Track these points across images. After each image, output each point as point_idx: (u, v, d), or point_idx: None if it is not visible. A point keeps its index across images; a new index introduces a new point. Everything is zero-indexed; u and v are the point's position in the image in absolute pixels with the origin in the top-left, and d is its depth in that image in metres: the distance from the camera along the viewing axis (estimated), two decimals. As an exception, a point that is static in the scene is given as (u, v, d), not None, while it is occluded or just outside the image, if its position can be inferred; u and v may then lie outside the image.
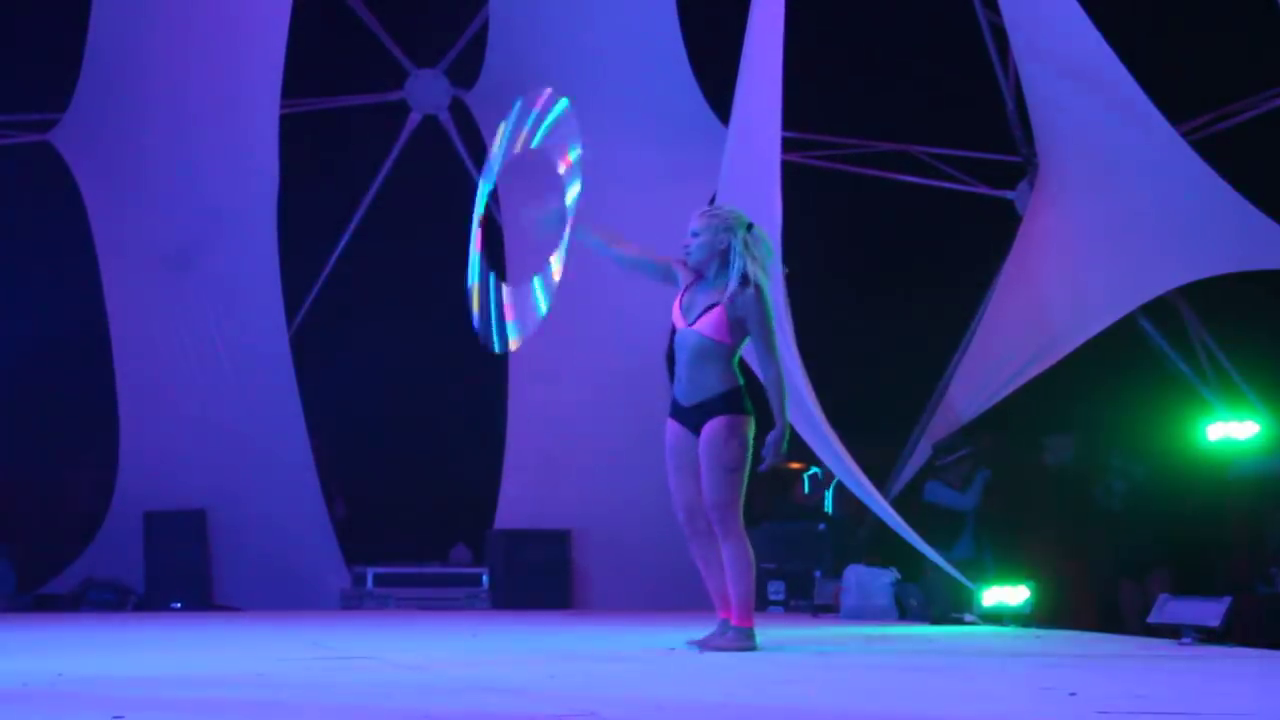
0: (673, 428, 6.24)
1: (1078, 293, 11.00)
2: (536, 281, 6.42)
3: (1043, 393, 11.36)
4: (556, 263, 6.30)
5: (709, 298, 6.14)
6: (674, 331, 6.33)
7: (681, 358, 6.21)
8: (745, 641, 6.17)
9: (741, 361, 6.38)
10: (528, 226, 6.39)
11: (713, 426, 6.07)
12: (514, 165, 6.52)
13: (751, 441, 6.11)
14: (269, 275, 11.84)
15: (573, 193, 6.35)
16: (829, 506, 12.21)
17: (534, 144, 6.46)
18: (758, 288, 6.06)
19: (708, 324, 6.08)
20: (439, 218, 12.37)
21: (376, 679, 4.94)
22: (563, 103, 6.40)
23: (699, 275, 6.23)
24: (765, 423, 6.31)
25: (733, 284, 6.09)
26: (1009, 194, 11.91)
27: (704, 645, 6.22)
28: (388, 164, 12.56)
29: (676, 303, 6.24)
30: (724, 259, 6.13)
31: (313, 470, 11.96)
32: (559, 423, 11.97)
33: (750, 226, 6.14)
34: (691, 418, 6.14)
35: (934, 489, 10.91)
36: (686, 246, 6.22)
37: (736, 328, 6.13)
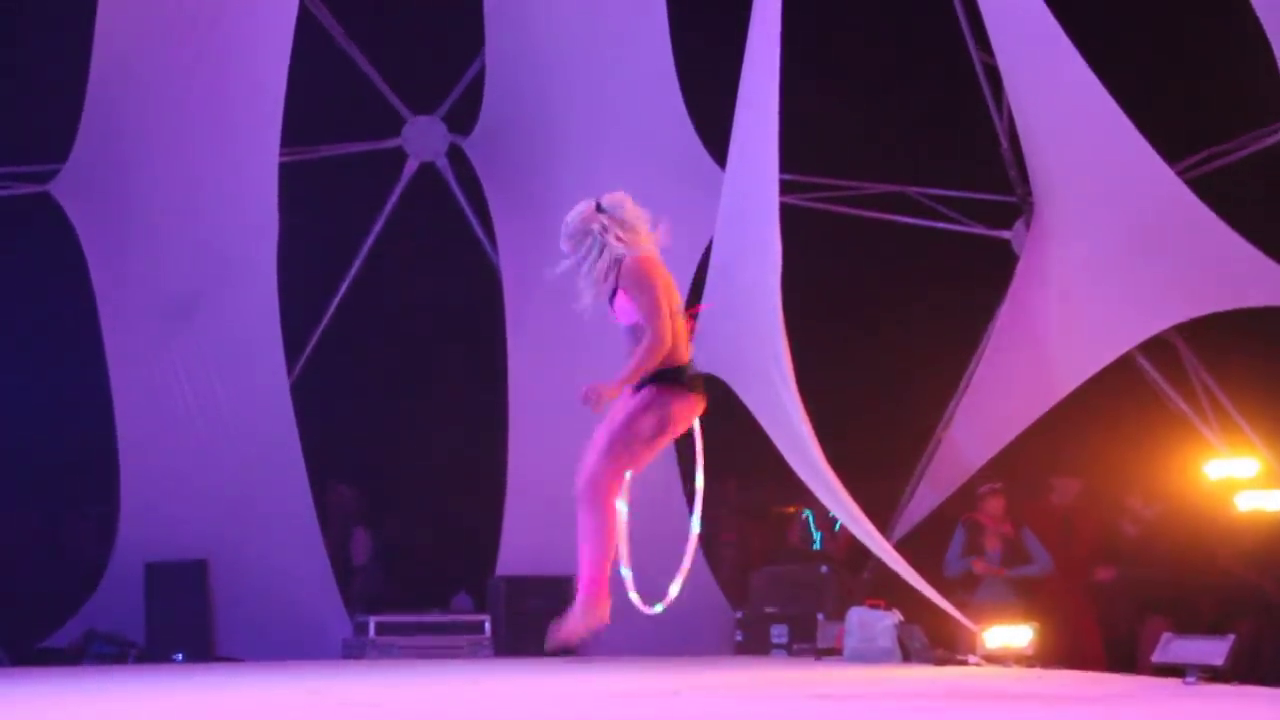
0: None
1: (1076, 331, 11.07)
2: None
3: (1047, 433, 11.41)
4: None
5: (605, 286, 6.12)
6: None
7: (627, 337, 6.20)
8: (585, 613, 6.05)
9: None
10: None
11: (642, 391, 6.00)
12: None
13: (671, 427, 5.96)
14: (269, 324, 11.90)
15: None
16: (819, 545, 12.28)
17: None
18: (631, 256, 6.02)
19: (621, 310, 6.10)
20: (437, 264, 12.65)
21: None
22: None
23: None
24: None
25: (616, 265, 6.05)
26: (1005, 234, 12.01)
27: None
28: (385, 211, 12.63)
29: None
30: (602, 254, 6.13)
31: (314, 521, 11.98)
32: (560, 468, 11.79)
33: (599, 207, 6.12)
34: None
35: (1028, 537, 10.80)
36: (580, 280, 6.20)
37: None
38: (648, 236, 6.13)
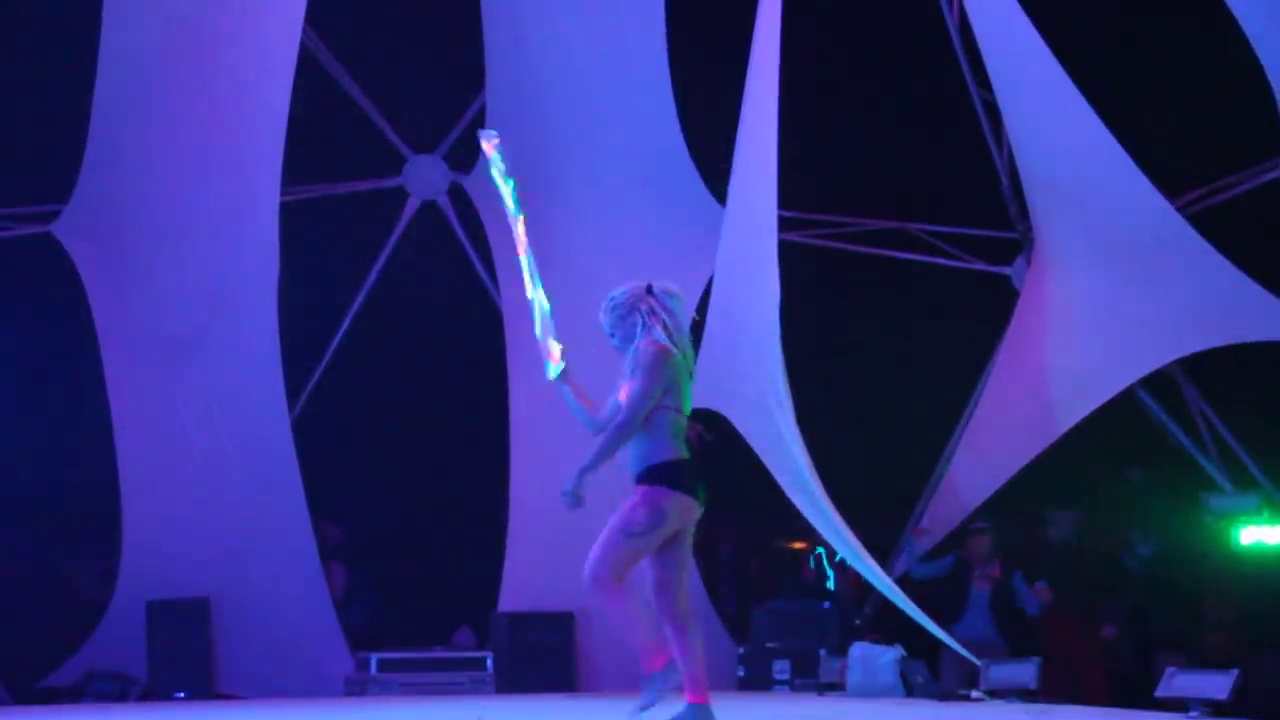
0: None
1: (1077, 367, 11.10)
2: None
3: (1044, 467, 11.45)
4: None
5: (625, 375, 6.22)
6: None
7: None
8: (697, 716, 6.11)
9: (693, 437, 6.40)
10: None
11: (634, 491, 6.07)
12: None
13: (666, 522, 5.97)
14: (270, 362, 11.92)
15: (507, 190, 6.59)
16: (831, 584, 12.30)
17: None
18: (653, 343, 6.10)
19: (624, 397, 6.10)
20: (439, 303, 12.67)
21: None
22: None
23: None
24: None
25: (637, 351, 6.15)
26: (1006, 270, 12.06)
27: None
28: (386, 250, 12.65)
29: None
30: (624, 336, 6.22)
31: (315, 558, 12.01)
32: (561, 504, 11.92)
33: (649, 289, 6.21)
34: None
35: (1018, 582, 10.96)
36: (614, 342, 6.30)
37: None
38: (682, 335, 6.19)
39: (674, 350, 6.11)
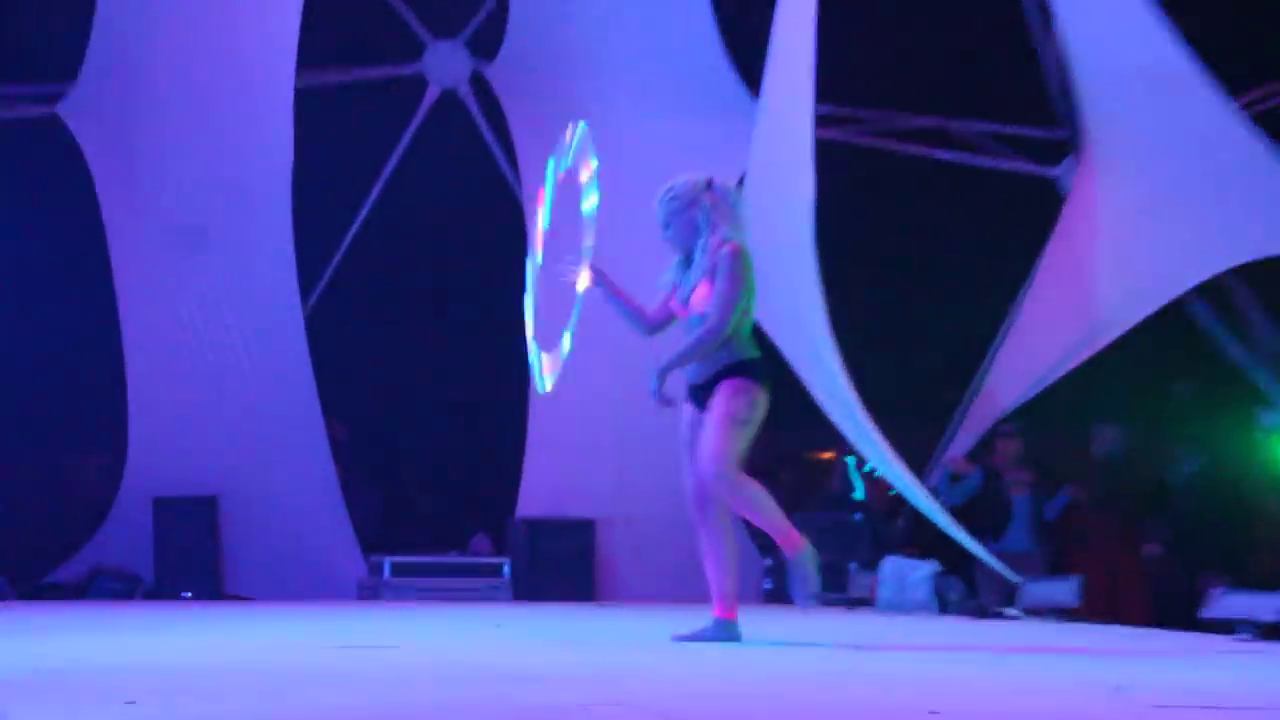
0: (686, 411, 6.26)
1: (1125, 275, 10.93)
2: (566, 335, 6.58)
3: (1088, 380, 11.36)
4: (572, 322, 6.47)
5: (696, 275, 6.18)
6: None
7: (689, 333, 6.20)
8: (724, 632, 6.12)
9: (756, 331, 6.37)
10: (559, 276, 6.45)
11: (720, 387, 6.09)
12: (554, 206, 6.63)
13: (758, 414, 6.07)
14: (283, 254, 11.82)
15: (590, 202, 6.48)
16: (860, 494, 12.23)
17: (562, 167, 6.65)
18: (731, 244, 6.07)
19: (700, 301, 6.11)
20: (459, 197, 12.57)
21: (395, 668, 4.91)
22: (581, 125, 6.58)
23: (688, 258, 6.26)
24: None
25: (710, 250, 6.11)
26: (1052, 171, 11.79)
27: (683, 636, 6.19)
28: (404, 141, 12.50)
29: (673, 293, 6.28)
30: (684, 231, 6.20)
31: (328, 456, 11.97)
32: (583, 407, 11.82)
33: (710, 184, 6.17)
34: (702, 396, 6.15)
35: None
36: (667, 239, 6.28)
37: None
38: (743, 231, 6.18)
39: (748, 252, 6.15)
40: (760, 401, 6.09)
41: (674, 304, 6.25)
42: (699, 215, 6.13)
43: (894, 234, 12.36)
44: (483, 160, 12.65)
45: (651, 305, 6.37)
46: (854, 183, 11.81)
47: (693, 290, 6.14)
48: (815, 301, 9.33)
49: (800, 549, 6.04)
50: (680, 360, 6.09)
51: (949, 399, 12.00)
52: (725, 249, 6.06)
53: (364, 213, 12.57)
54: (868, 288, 11.91)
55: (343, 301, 12.54)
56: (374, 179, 12.53)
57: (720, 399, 6.03)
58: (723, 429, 5.99)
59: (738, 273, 6.03)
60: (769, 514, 6.05)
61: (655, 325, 6.38)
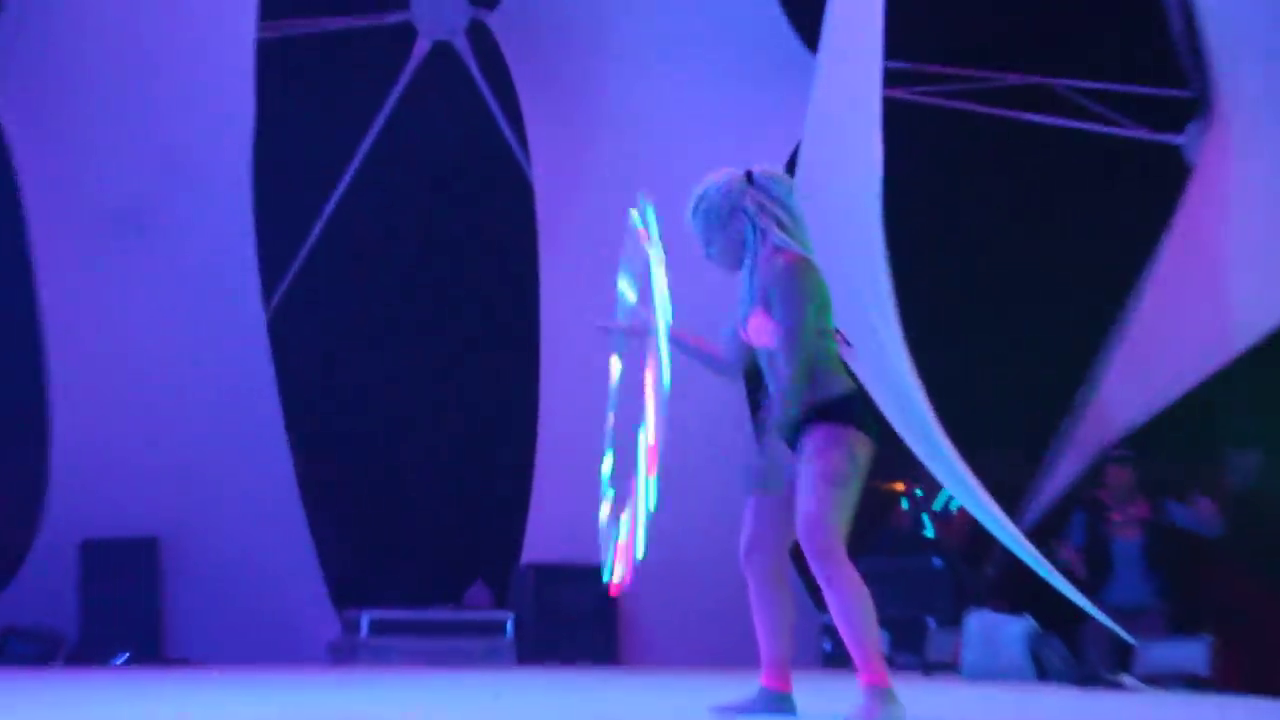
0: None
1: (1263, 266, 10.95)
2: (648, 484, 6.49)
3: (1219, 394, 11.39)
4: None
5: (748, 297, 6.06)
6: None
7: (773, 375, 6.11)
8: (774, 705, 6.07)
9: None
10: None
11: (809, 438, 5.94)
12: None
13: (859, 466, 5.92)
14: (242, 242, 11.95)
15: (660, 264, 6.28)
16: (930, 533, 12.36)
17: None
18: (786, 255, 5.94)
19: (759, 332, 6.00)
20: (454, 167, 12.70)
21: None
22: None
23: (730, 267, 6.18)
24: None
25: (760, 266, 5.99)
26: (1176, 138, 11.82)
27: (725, 708, 6.11)
28: (390, 101, 12.63)
29: (739, 328, 6.17)
30: (727, 244, 6.08)
31: (294, 489, 12.06)
32: (603, 430, 11.85)
33: (750, 178, 6.04)
34: (792, 438, 6.06)
35: (1176, 508, 10.90)
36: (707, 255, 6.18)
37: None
38: (801, 230, 6.04)
39: (812, 257, 5.97)
40: (859, 451, 5.90)
41: (743, 332, 6.12)
42: (744, 224, 6.01)
43: (980, 215, 12.32)
44: (481, 121, 12.79)
45: (722, 336, 6.26)
46: (932, 154, 11.83)
47: (749, 317, 6.02)
48: (883, 297, 9.35)
49: (881, 685, 5.84)
50: (787, 410, 5.91)
51: (1048, 417, 12.03)
52: (780, 261, 5.93)
53: (340, 188, 12.68)
54: (947, 280, 11.89)
55: (312, 298, 12.64)
56: (353, 146, 12.66)
57: (811, 452, 5.91)
58: (818, 493, 5.85)
59: (800, 291, 5.89)
60: (861, 624, 5.87)
61: (733, 362, 6.26)
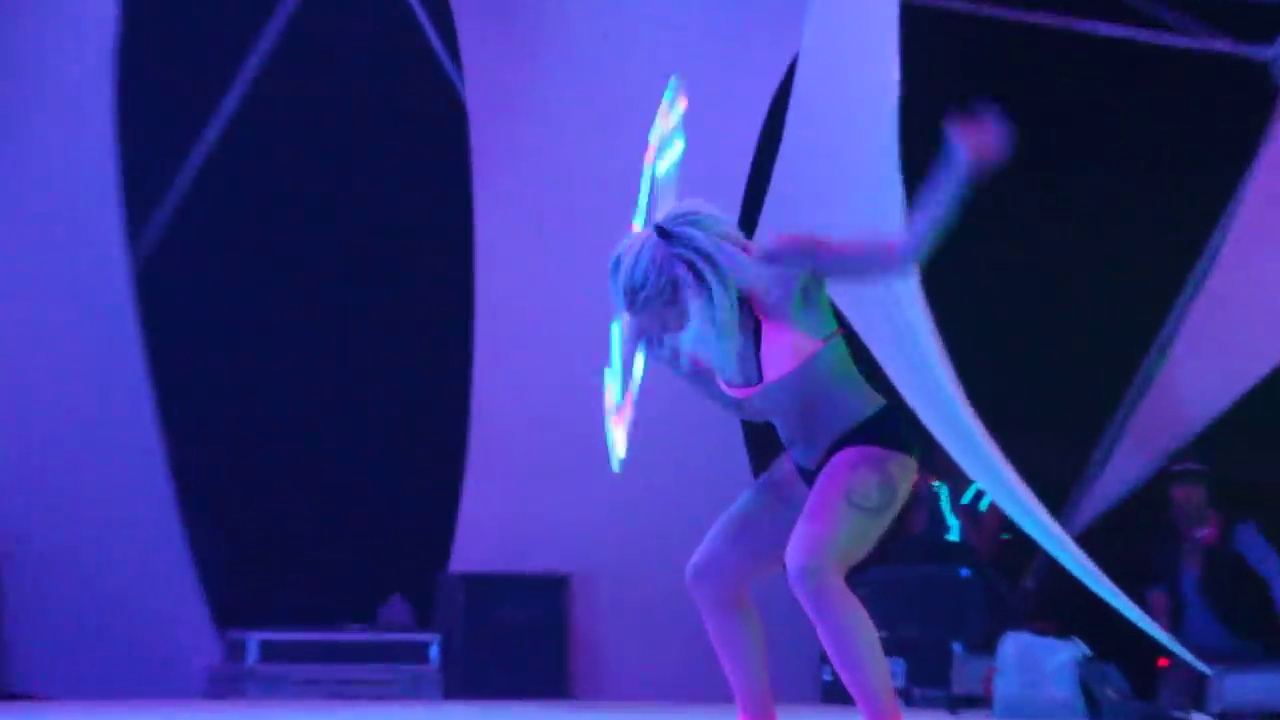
0: (783, 475, 6.13)
1: None
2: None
3: None
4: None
5: (749, 323, 5.93)
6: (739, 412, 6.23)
7: (782, 419, 6.03)
8: None
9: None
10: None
11: (847, 452, 5.89)
12: None
13: (897, 500, 5.90)
14: (99, 175, 11.95)
15: (674, 154, 6.61)
16: (956, 536, 12.30)
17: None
18: (760, 247, 5.88)
19: (774, 350, 5.91)
20: (368, 84, 12.68)
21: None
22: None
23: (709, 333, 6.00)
24: None
25: (747, 272, 5.84)
26: (1263, 51, 11.73)
27: None
28: (281, 10, 12.58)
29: (722, 385, 6.10)
30: (697, 294, 5.89)
31: (167, 485, 12.05)
32: (551, 410, 11.87)
33: (666, 234, 5.86)
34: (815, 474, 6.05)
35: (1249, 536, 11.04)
36: (673, 351, 6.08)
37: (802, 306, 5.88)
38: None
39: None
40: (900, 478, 5.90)
41: (732, 393, 6.06)
42: (683, 288, 5.85)
43: (1022, 149, 11.88)
44: (406, 31, 12.73)
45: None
46: (964, 73, 11.61)
47: (758, 350, 5.91)
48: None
49: None
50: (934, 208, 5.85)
51: (1102, 397, 12.04)
52: (759, 252, 5.85)
53: (226, 109, 12.62)
54: (980, 228, 11.39)
55: (191, 246, 12.56)
56: (242, 57, 12.62)
57: (839, 468, 5.85)
58: (833, 511, 5.82)
59: (796, 239, 5.87)
60: (868, 662, 5.85)
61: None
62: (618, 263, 5.90)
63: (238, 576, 12.47)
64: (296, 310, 12.86)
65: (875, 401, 5.95)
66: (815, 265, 5.85)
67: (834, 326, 5.95)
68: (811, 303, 5.89)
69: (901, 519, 12.33)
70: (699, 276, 5.85)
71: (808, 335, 5.88)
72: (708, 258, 5.84)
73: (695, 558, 6.07)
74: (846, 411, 5.92)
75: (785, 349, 5.88)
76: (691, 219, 5.89)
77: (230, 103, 12.64)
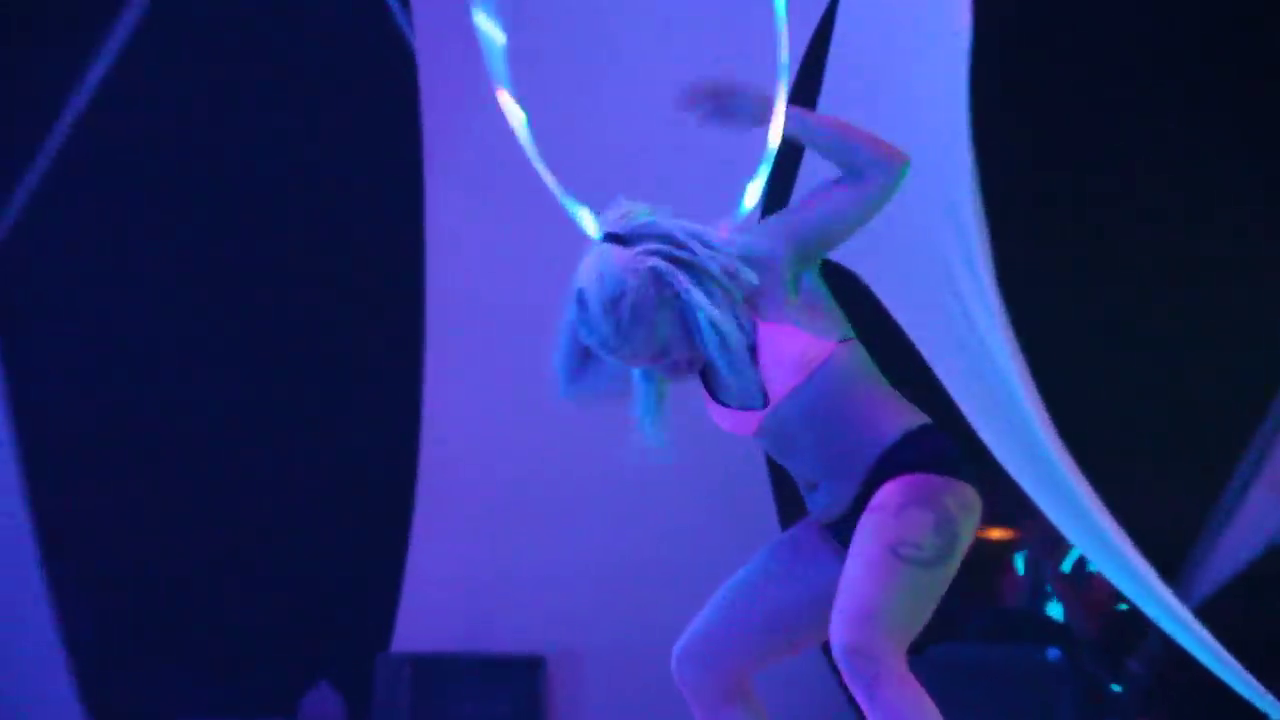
0: (803, 531, 6.22)
1: None
2: None
3: None
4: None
5: (748, 342, 6.03)
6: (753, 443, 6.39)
7: (797, 454, 6.14)
8: None
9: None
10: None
11: (887, 490, 5.94)
12: None
13: (962, 542, 5.99)
14: None
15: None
16: (1056, 612, 12.38)
17: None
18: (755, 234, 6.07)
19: (798, 357, 6.01)
20: (291, 29, 12.80)
21: None
22: None
23: (703, 364, 6.10)
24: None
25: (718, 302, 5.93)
26: None
27: None
28: None
29: (718, 418, 6.26)
30: (688, 326, 5.98)
31: (30, 546, 12.23)
32: (518, 463, 12.08)
33: (656, 273, 5.90)
34: (847, 528, 6.01)
35: None
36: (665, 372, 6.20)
37: (806, 307, 6.03)
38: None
39: None
40: (963, 522, 5.92)
41: (731, 422, 6.17)
42: (669, 278, 5.92)
43: (1120, 109, 12.29)
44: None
45: None
46: (1047, 27, 11.83)
47: (766, 365, 6.00)
48: (970, 241, 9.44)
49: None
50: (840, 132, 6.05)
51: (1228, 437, 12.08)
52: (769, 268, 5.94)
53: (107, 52, 12.69)
54: (1070, 214, 11.87)
55: (60, 229, 12.66)
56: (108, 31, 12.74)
57: (880, 514, 5.86)
58: (880, 570, 5.82)
59: (797, 214, 6.10)
60: None
61: None
62: (581, 293, 5.94)
63: (121, 662, 12.51)
64: (198, 322, 12.95)
65: (914, 417, 6.05)
66: (795, 223, 5.99)
67: (849, 333, 6.04)
68: (813, 299, 6.00)
69: (991, 585, 12.28)
70: (678, 261, 5.93)
71: (817, 338, 5.97)
72: (673, 239, 5.94)
73: (683, 638, 6.13)
74: (878, 432, 6.01)
75: (793, 357, 5.98)
76: (634, 218, 6.05)
77: (112, 46, 12.71)
